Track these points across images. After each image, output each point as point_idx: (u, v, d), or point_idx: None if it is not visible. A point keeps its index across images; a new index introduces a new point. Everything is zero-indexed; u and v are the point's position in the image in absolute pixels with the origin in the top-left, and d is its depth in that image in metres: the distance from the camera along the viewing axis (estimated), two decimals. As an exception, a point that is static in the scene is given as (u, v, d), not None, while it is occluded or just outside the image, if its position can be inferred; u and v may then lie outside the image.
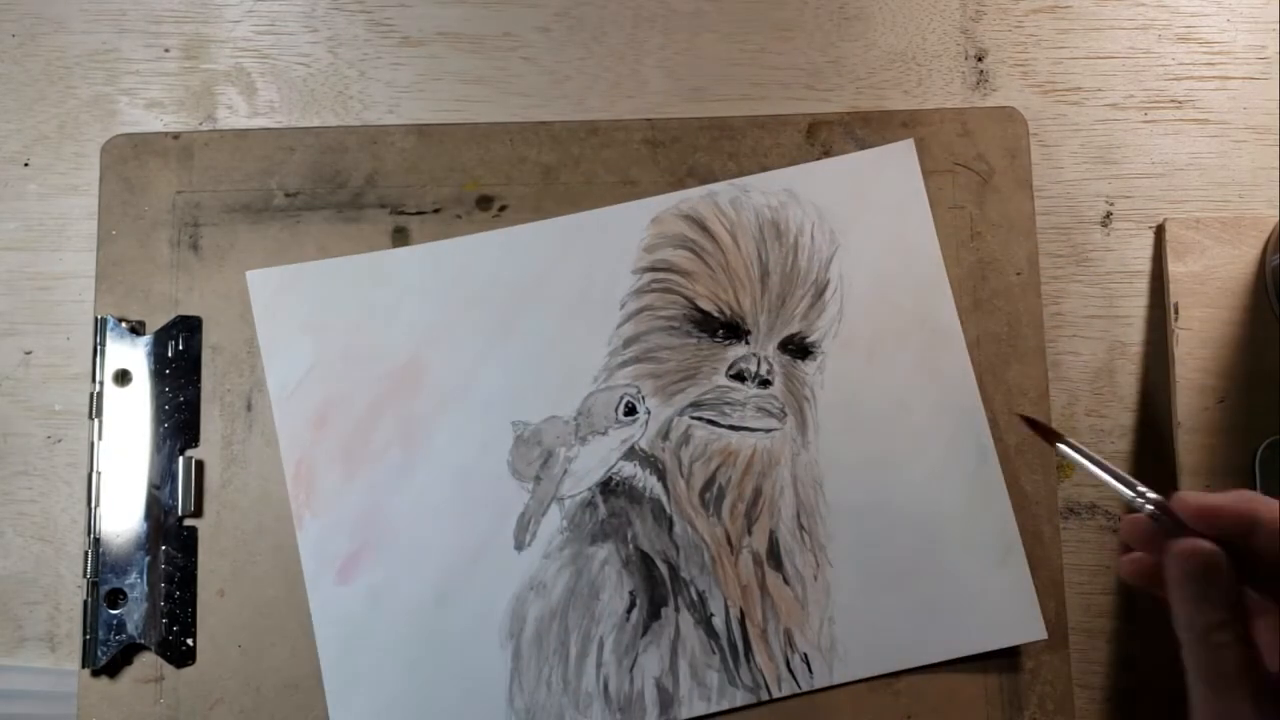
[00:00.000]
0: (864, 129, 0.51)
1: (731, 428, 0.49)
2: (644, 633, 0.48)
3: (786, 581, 0.48)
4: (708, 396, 0.49)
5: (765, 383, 0.50)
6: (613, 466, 0.49)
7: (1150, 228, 0.52)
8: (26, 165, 0.52)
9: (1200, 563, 0.34)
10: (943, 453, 0.49)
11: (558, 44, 0.53)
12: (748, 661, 0.48)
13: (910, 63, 0.53)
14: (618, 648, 0.48)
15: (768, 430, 0.49)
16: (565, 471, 0.49)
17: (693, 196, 0.51)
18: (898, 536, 0.48)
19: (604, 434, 0.49)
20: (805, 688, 0.47)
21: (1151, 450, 0.51)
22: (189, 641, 0.48)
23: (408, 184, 0.51)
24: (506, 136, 0.51)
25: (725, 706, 0.47)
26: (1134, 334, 0.52)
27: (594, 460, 0.49)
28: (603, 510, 0.49)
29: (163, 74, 0.53)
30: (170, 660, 0.47)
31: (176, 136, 0.51)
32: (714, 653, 0.48)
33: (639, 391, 0.49)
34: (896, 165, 0.51)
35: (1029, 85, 0.53)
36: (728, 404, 0.49)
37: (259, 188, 0.51)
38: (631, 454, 0.49)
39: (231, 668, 0.48)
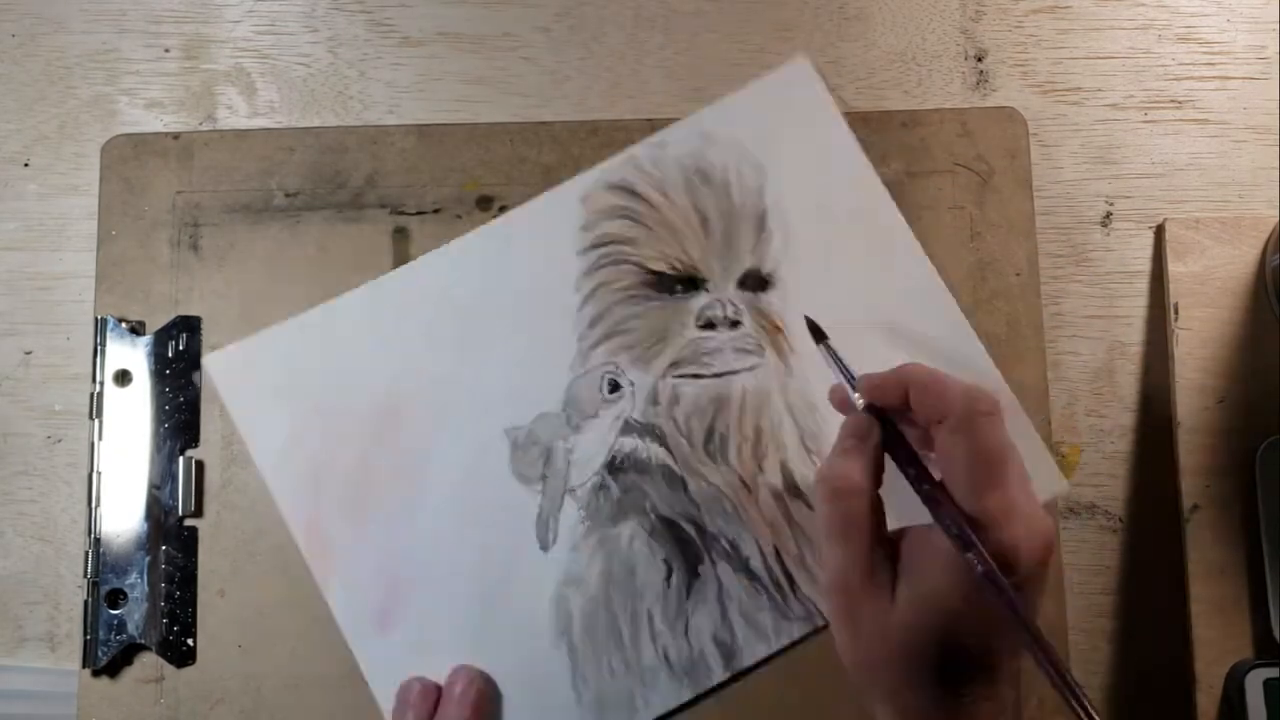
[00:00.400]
0: (864, 129, 0.51)
1: (715, 375, 0.49)
2: (688, 595, 0.48)
3: (810, 506, 0.48)
4: (684, 353, 0.50)
5: (735, 323, 0.50)
6: (613, 445, 0.49)
7: (1150, 228, 0.52)
8: (26, 165, 0.52)
9: (856, 423, 0.41)
10: (918, 334, 0.49)
11: (558, 44, 0.53)
12: (794, 593, 0.48)
13: (910, 63, 0.53)
14: (667, 616, 0.48)
15: (750, 368, 0.49)
16: (569, 463, 0.49)
17: (614, 165, 0.51)
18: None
19: (595, 417, 0.49)
20: None
21: (1151, 450, 0.51)
22: (189, 641, 0.48)
23: (408, 184, 0.51)
24: (506, 136, 0.51)
25: (786, 642, 0.47)
26: (1134, 334, 0.52)
27: (593, 445, 0.49)
28: (615, 490, 0.49)
29: (163, 74, 0.53)
30: (171, 660, 0.48)
31: (176, 136, 0.51)
32: (760, 593, 0.48)
33: (618, 367, 0.49)
34: (798, 83, 0.51)
35: (1029, 85, 0.53)
36: (705, 354, 0.50)
37: (259, 188, 0.51)
38: (628, 428, 0.49)
39: (232, 668, 0.48)
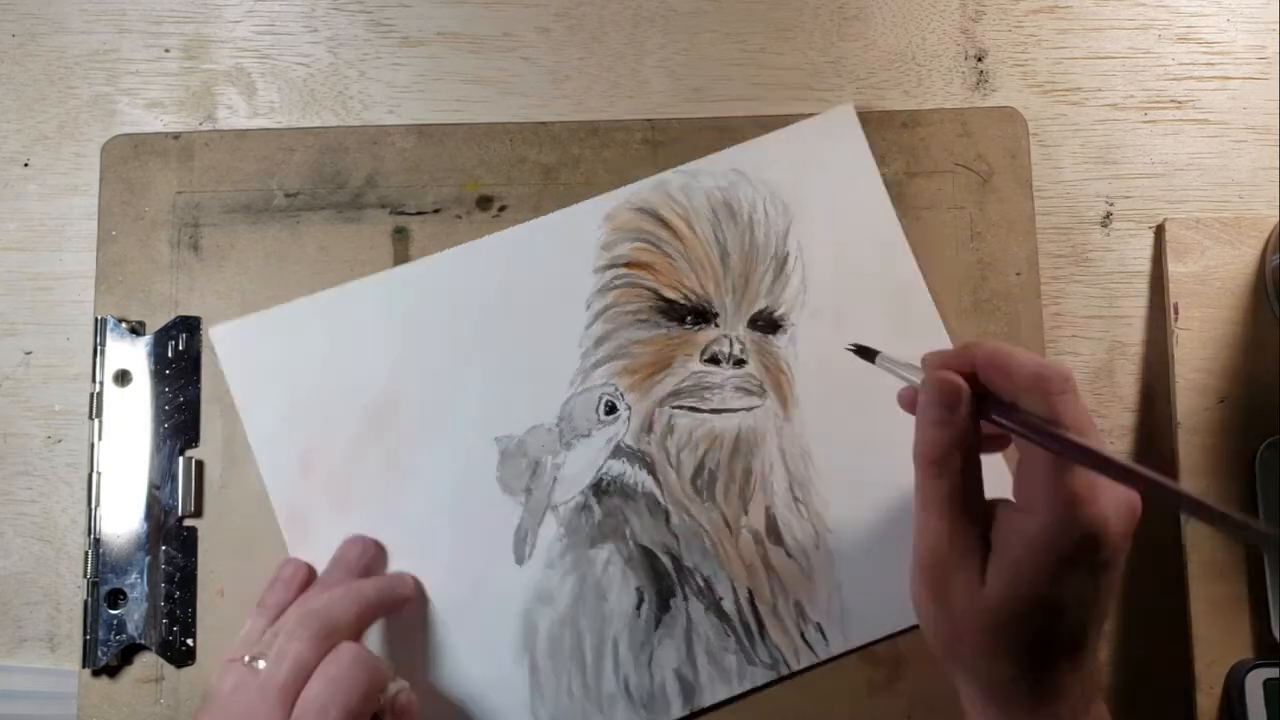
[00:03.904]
0: (864, 129, 0.51)
1: (713, 411, 0.49)
2: (656, 626, 0.48)
3: (789, 555, 0.48)
4: (685, 384, 0.50)
5: (740, 362, 0.50)
6: (601, 467, 0.49)
7: (1150, 228, 0.52)
8: (26, 165, 0.52)
9: (944, 389, 0.38)
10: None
11: (558, 44, 0.53)
12: (762, 639, 0.48)
13: (910, 63, 0.53)
14: (633, 645, 0.48)
15: (749, 409, 0.49)
16: (555, 479, 0.49)
17: (643, 188, 0.51)
18: (890, 494, 0.48)
19: (588, 436, 0.49)
20: (823, 655, 0.48)
21: (1151, 450, 0.51)
22: (189, 641, 0.48)
23: (408, 184, 0.51)
24: (506, 136, 0.51)
25: (747, 686, 0.47)
26: (1134, 334, 0.52)
27: (582, 464, 0.49)
28: (598, 512, 0.49)
29: (163, 74, 0.53)
30: (170, 660, 0.48)
31: (176, 136, 0.51)
32: (728, 635, 0.48)
33: (617, 389, 0.49)
34: (838, 130, 0.51)
35: (1029, 85, 0.53)
36: (706, 388, 0.49)
37: (259, 188, 0.51)
38: (618, 452, 0.49)
39: (232, 668, 0.48)
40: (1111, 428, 0.51)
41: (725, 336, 0.50)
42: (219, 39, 0.53)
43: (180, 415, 0.49)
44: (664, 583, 0.48)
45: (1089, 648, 0.37)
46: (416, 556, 0.48)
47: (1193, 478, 0.49)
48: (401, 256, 0.50)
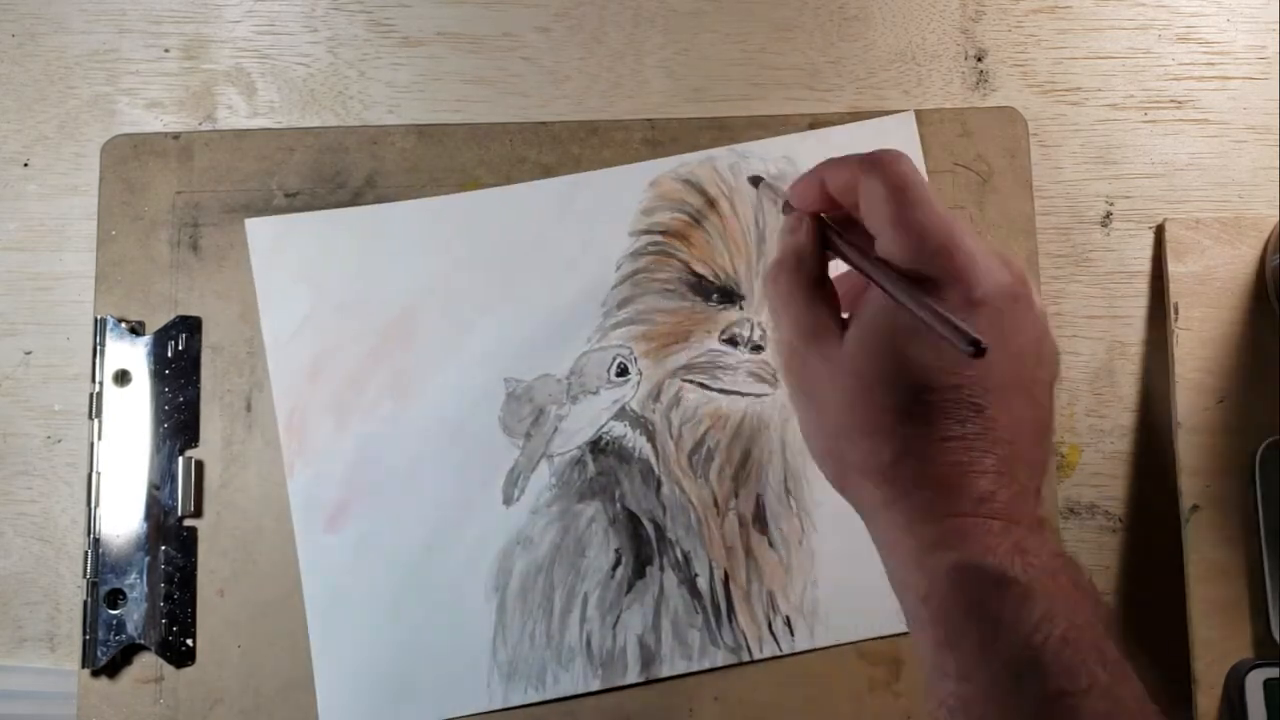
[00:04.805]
0: (864, 129, 0.51)
1: (723, 391, 0.50)
2: (628, 590, 0.48)
3: (771, 545, 0.49)
4: (700, 360, 0.50)
5: (758, 348, 0.50)
6: (603, 426, 0.49)
7: (1150, 228, 0.52)
8: (26, 165, 0.52)
9: (784, 225, 0.40)
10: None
11: (558, 44, 0.53)
12: (730, 622, 0.48)
13: (910, 63, 0.53)
14: (601, 604, 0.48)
15: (759, 395, 0.49)
16: (556, 429, 0.49)
17: (692, 161, 0.51)
18: None
19: (595, 393, 0.49)
20: (786, 650, 0.48)
21: (1151, 450, 0.51)
22: (189, 642, 0.48)
23: (408, 184, 0.51)
24: (506, 136, 0.51)
25: (706, 665, 0.48)
26: (1134, 334, 0.52)
27: (585, 419, 0.49)
28: (592, 468, 0.49)
29: (163, 74, 0.53)
30: (170, 660, 0.47)
31: (176, 136, 0.51)
32: (697, 612, 0.48)
33: (632, 352, 0.50)
34: (896, 135, 0.51)
35: (1029, 85, 0.53)
36: (720, 368, 0.50)
37: (259, 188, 0.51)
38: (622, 414, 0.49)
39: (231, 668, 0.48)
40: (1111, 428, 0.51)
41: (748, 320, 0.50)
42: (219, 39, 0.53)
43: (180, 415, 0.49)
44: (643, 549, 0.48)
45: (991, 412, 0.33)
46: (407, 480, 0.48)
47: (1193, 477, 0.49)
48: (401, 256, 0.51)
